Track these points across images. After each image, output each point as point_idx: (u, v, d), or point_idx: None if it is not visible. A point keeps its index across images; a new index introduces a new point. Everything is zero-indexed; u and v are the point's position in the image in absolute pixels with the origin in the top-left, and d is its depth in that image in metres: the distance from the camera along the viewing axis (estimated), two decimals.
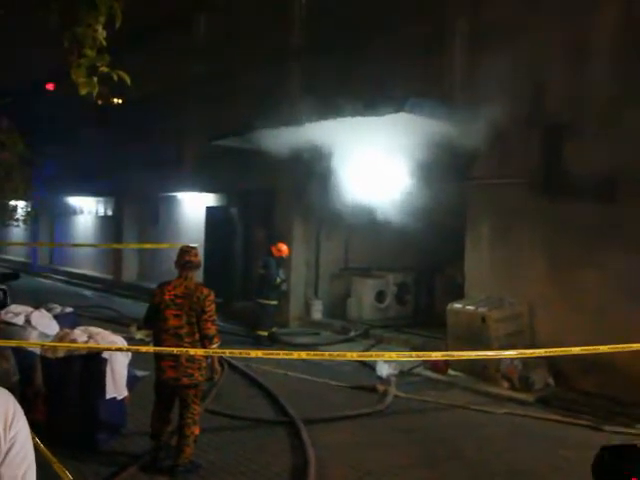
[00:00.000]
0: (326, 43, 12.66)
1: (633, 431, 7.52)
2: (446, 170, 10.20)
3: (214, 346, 5.97)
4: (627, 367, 8.08)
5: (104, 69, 4.07)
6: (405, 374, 9.92)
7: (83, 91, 4.10)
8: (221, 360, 9.87)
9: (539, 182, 9.50)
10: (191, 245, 6.51)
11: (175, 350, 5.82)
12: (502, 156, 9.90)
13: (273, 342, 12.24)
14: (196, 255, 6.22)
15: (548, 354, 6.98)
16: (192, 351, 5.86)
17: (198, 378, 6.00)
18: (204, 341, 5.96)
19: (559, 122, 9.28)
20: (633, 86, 8.58)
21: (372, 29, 11.78)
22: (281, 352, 7.11)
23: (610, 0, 9.00)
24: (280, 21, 14.27)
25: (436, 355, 8.68)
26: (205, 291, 6.02)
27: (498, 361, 9.04)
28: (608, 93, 8.81)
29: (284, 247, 12.61)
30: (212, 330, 5.97)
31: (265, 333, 12.34)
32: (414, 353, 9.79)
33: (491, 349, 8.84)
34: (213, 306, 6.01)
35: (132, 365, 7.12)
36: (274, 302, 12.50)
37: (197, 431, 6.05)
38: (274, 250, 12.52)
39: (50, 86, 22.07)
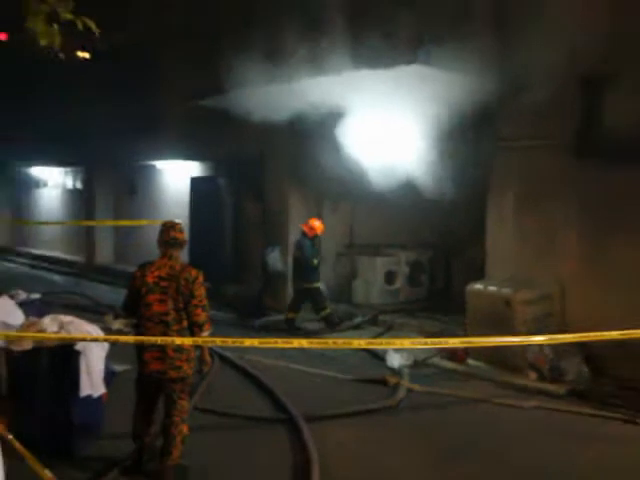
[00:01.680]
0: None
1: None
2: (467, 131, 10.18)
3: (205, 334, 6.00)
4: None
5: (67, 16, 4.02)
6: (419, 364, 9.99)
7: (43, 41, 4.07)
8: (211, 351, 9.95)
9: (575, 144, 9.49)
10: (175, 221, 6.50)
11: (160, 340, 5.85)
12: (532, 115, 9.84)
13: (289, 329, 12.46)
14: (181, 231, 6.22)
15: (582, 339, 7.01)
16: (179, 340, 5.88)
17: (187, 371, 6.02)
18: (193, 329, 5.98)
19: (600, 75, 9.23)
20: None
21: None
22: (279, 340, 7.13)
23: None
24: None
25: (454, 342, 8.76)
26: (194, 272, 6.03)
27: (525, 348, 9.08)
28: None
29: (317, 223, 12.64)
30: (202, 317, 5.99)
31: (328, 311, 12.53)
32: (429, 340, 9.81)
33: (517, 335, 8.86)
34: (203, 289, 6.02)
35: (110, 358, 7.15)
36: (317, 284, 12.57)
37: (186, 430, 6.08)
38: (306, 229, 12.57)
39: (2, 36, 21.86)
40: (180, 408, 6.04)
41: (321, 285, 12.66)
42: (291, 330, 12.28)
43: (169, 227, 6.20)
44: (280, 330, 12.31)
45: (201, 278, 6.06)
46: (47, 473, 4.34)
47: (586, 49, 9.20)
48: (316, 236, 12.59)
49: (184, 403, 6.09)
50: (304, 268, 12.42)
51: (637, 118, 8.79)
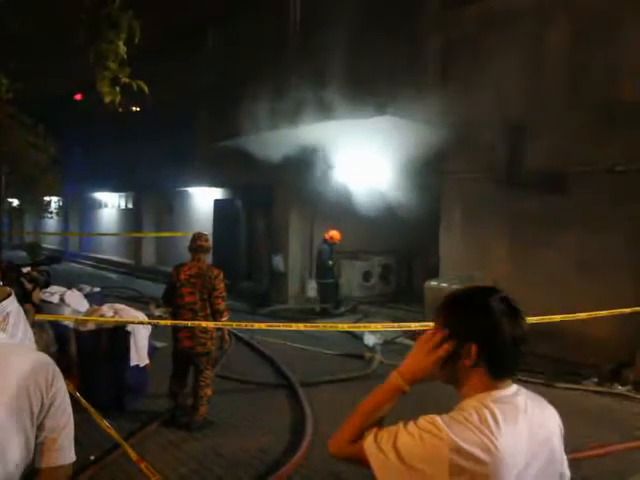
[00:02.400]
0: (320, 58, 12.61)
1: (580, 387, 7.64)
2: (424, 165, 10.22)
3: (224, 319, 6.00)
4: (576, 333, 8.19)
5: (125, 80, 4.10)
6: (388, 343, 9.96)
7: (107, 99, 4.15)
8: (230, 331, 9.95)
9: (502, 176, 9.51)
10: (202, 232, 6.50)
11: (189, 323, 5.87)
12: (471, 154, 9.90)
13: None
14: (207, 240, 6.22)
15: None
16: (204, 324, 5.90)
17: (210, 347, 6.03)
18: (215, 315, 5.98)
19: (519, 125, 9.32)
20: (574, 94, 8.70)
21: (364, 44, 11.70)
22: (281, 324, 7.17)
23: (554, 30, 9.10)
24: (275, 36, 14.25)
25: (415, 326, 8.72)
26: (215, 271, 6.03)
27: None
28: (556, 100, 8.94)
29: (335, 233, 12.57)
30: (222, 305, 5.99)
31: (327, 305, 12.48)
32: (396, 324, 9.82)
33: None
34: (222, 284, 6.02)
35: (152, 337, 7.16)
36: (330, 280, 12.54)
37: (210, 393, 6.10)
38: (327, 237, 12.52)
39: (78, 96, 22.01)
40: (205, 375, 6.05)
41: (330, 282, 12.56)
42: (328, 315, 12.28)
43: (197, 237, 6.20)
44: (280, 317, 12.26)
45: (221, 276, 6.05)
46: (105, 422, 4.35)
47: (511, 106, 9.32)
48: (334, 243, 12.50)
49: (208, 372, 6.10)
50: (322, 268, 12.44)
51: (547, 158, 8.89)
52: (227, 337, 6.27)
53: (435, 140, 9.73)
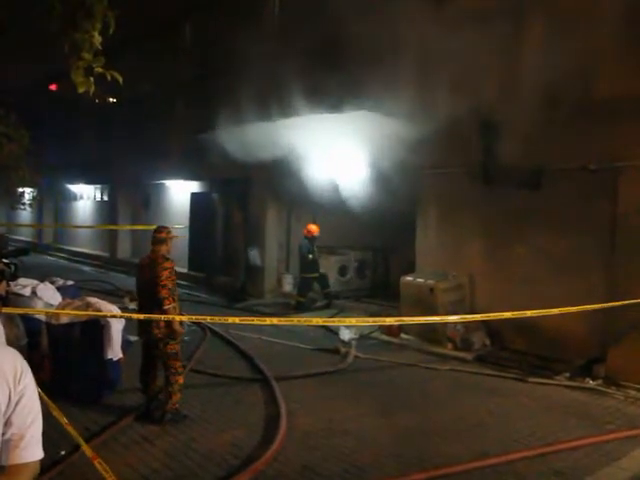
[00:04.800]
0: (297, 53, 12.54)
1: (552, 382, 7.74)
2: (400, 161, 10.23)
3: (165, 307, 5.86)
4: (549, 329, 8.30)
5: (99, 70, 4.05)
6: (364, 338, 9.96)
7: (81, 89, 4.09)
8: (203, 326, 9.90)
9: (478, 172, 9.54)
10: (163, 226, 6.59)
11: (163, 317, 5.81)
12: (447, 150, 9.87)
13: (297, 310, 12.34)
14: (160, 232, 6.27)
15: (484, 318, 7.10)
16: (179, 317, 5.86)
17: (157, 335, 5.95)
18: (158, 303, 5.93)
19: (493, 122, 9.35)
20: (550, 92, 8.75)
21: (340, 39, 11.66)
22: (255, 319, 7.12)
23: (531, 23, 9.13)
24: (253, 29, 14.14)
25: (390, 320, 8.82)
26: (160, 260, 6.03)
27: (443, 325, 9.16)
28: (532, 97, 8.97)
29: (312, 227, 12.56)
30: (162, 293, 5.89)
31: (303, 299, 12.43)
32: (371, 319, 9.88)
33: (437, 315, 8.96)
34: (165, 272, 5.94)
35: (126, 331, 7.09)
36: (311, 275, 12.50)
37: (181, 381, 6.07)
38: (305, 232, 12.52)
39: (53, 86, 21.71)
40: (170, 365, 6.00)
41: (313, 277, 12.54)
42: (300, 310, 12.22)
43: (154, 230, 6.37)
44: (256, 311, 12.20)
45: (166, 264, 6.00)
46: (64, 419, 4.27)
47: (484, 103, 9.34)
48: (313, 237, 12.49)
49: (170, 362, 6.01)
50: (303, 262, 12.45)
51: (522, 155, 8.92)
52: (177, 328, 6.01)
53: (412, 136, 9.73)
